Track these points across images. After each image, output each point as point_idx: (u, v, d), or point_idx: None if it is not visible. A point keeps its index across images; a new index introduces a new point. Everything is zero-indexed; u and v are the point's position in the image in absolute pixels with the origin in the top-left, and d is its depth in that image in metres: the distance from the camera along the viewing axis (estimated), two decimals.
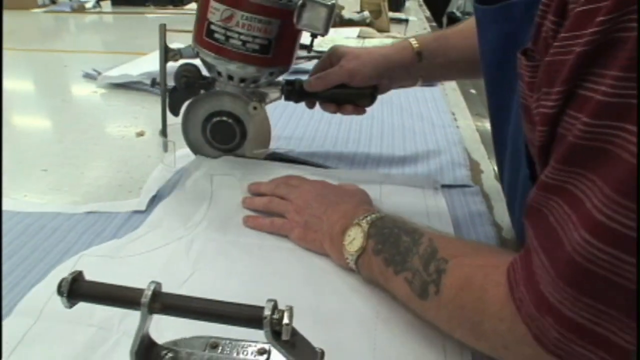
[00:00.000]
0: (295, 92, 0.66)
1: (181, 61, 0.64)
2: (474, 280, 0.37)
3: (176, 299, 0.27)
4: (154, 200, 0.62)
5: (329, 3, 0.57)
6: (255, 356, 0.31)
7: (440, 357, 0.40)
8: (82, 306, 0.43)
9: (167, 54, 0.62)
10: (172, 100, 0.65)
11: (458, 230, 0.57)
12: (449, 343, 0.40)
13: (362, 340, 0.41)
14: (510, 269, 0.34)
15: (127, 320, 0.42)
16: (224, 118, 0.65)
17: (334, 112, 0.66)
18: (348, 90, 0.64)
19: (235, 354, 0.31)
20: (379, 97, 1.03)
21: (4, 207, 0.60)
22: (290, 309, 0.26)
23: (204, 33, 0.58)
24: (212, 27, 0.57)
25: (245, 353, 0.31)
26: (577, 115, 0.27)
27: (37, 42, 1.67)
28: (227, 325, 0.26)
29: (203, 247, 0.52)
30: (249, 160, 0.68)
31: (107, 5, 2.37)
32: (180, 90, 0.63)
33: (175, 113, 0.65)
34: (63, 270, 0.48)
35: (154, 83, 0.65)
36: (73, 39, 1.88)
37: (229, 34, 0.57)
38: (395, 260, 0.42)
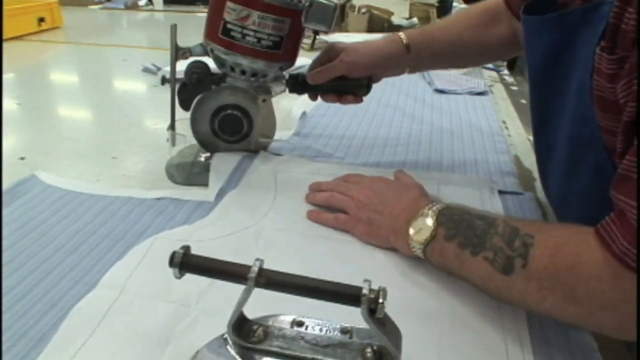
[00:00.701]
0: (299, 85, 0.70)
1: (191, 59, 0.67)
2: (566, 247, 0.39)
3: (279, 275, 0.29)
4: (219, 192, 0.65)
5: (333, 3, 0.61)
6: (339, 334, 0.33)
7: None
8: (161, 283, 0.47)
9: (178, 52, 0.65)
10: (183, 95, 0.67)
11: None
12: (510, 345, 0.42)
13: (427, 335, 0.43)
14: (601, 230, 0.37)
15: (204, 299, 0.45)
16: (232, 111, 0.69)
17: (335, 102, 0.71)
18: (347, 81, 0.68)
19: (319, 332, 0.33)
20: (429, 102, 1.05)
21: (80, 189, 0.64)
22: (384, 290, 0.28)
23: (219, 31, 0.61)
24: (229, 25, 0.61)
25: (329, 332, 0.33)
26: None
27: (96, 37, 1.75)
28: (324, 301, 0.28)
29: (271, 237, 0.55)
30: (313, 161, 0.72)
31: (158, 4, 2.46)
32: (191, 86, 0.66)
33: (187, 108, 0.68)
34: (141, 250, 0.52)
35: (164, 81, 0.68)
36: (127, 34, 1.96)
37: (245, 31, 0.61)
38: (472, 242, 0.44)
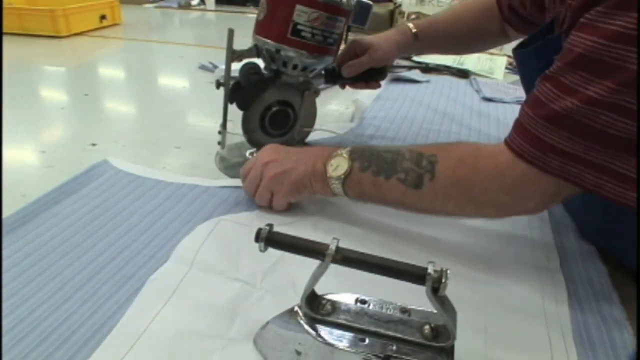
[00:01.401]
0: (334, 77, 0.79)
1: (244, 60, 0.70)
2: (466, 158, 0.50)
3: (354, 253, 0.32)
4: None
5: (370, 4, 0.74)
6: (398, 312, 0.36)
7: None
8: (227, 261, 0.51)
9: (233, 55, 0.69)
10: (241, 96, 0.70)
11: (558, 237, 0.60)
12: (552, 334, 0.44)
13: (474, 322, 0.45)
14: (506, 142, 0.48)
15: (268, 279, 0.49)
16: (282, 107, 0.74)
17: (363, 88, 0.83)
18: (372, 71, 0.79)
19: (381, 309, 0.36)
20: (477, 110, 1.06)
21: (148, 175, 0.69)
22: (447, 271, 0.31)
23: (288, 32, 0.66)
24: (299, 27, 0.65)
25: (389, 310, 0.36)
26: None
27: (152, 34, 1.84)
28: (393, 278, 0.32)
29: (328, 227, 0.59)
30: None
31: (210, 4, 2.54)
32: (249, 86, 0.69)
33: (246, 107, 0.71)
34: (206, 228, 0.57)
35: (219, 85, 0.70)
36: (180, 33, 2.04)
37: (314, 32, 0.66)
38: (384, 169, 0.53)
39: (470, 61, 1.45)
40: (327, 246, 0.32)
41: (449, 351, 0.33)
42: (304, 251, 0.33)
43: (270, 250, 0.35)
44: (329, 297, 0.38)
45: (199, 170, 0.74)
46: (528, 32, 0.71)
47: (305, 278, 0.35)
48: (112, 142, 0.83)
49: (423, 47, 0.84)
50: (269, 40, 0.67)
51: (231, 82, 0.70)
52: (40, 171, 0.72)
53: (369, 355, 0.33)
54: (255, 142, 0.75)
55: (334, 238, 0.33)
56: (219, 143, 0.72)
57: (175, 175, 0.70)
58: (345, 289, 0.39)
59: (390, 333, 0.34)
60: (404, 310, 0.36)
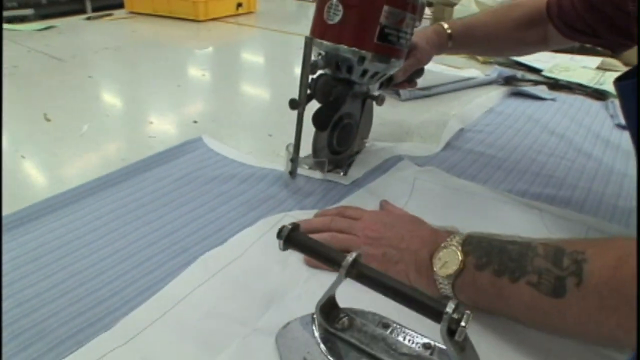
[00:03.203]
0: (387, 82, 0.73)
1: (318, 72, 0.62)
2: (631, 257, 0.34)
3: (371, 272, 0.30)
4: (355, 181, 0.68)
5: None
6: (420, 348, 0.32)
7: None
8: (279, 256, 0.50)
9: (310, 68, 0.58)
10: (320, 115, 0.63)
11: None
12: None
13: None
14: None
15: (312, 280, 0.47)
16: (348, 120, 0.68)
17: (406, 88, 0.85)
18: (414, 72, 0.77)
19: (402, 339, 0.33)
20: (605, 138, 0.93)
21: (233, 157, 0.72)
22: (469, 315, 0.27)
23: (375, 37, 0.58)
24: (386, 30, 0.59)
25: (411, 342, 0.33)
26: None
27: (284, 24, 1.91)
28: (406, 307, 0.28)
29: None
30: (449, 175, 0.71)
31: None
32: (328, 103, 0.62)
33: (326, 127, 0.64)
34: (269, 223, 0.57)
35: (294, 105, 0.60)
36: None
37: (400, 34, 0.61)
38: (510, 267, 0.39)
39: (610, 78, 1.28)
40: (344, 257, 0.30)
41: None
42: (321, 258, 0.31)
43: None
44: (351, 311, 0.35)
45: (284, 160, 0.74)
46: (574, 38, 0.74)
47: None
48: (212, 121, 0.87)
49: (456, 48, 0.82)
50: (349, 47, 0.59)
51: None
52: (144, 139, 0.79)
53: None
54: (320, 164, 0.68)
55: (357, 252, 0.30)
56: (290, 173, 0.63)
57: (259, 160, 0.72)
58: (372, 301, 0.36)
59: None
60: (427, 347, 0.33)
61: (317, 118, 0.62)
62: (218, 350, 0.39)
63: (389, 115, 0.94)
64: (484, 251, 0.42)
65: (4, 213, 0.54)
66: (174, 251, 0.51)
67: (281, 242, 0.33)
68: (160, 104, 0.97)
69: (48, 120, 0.83)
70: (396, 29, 0.60)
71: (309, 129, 0.64)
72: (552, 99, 1.11)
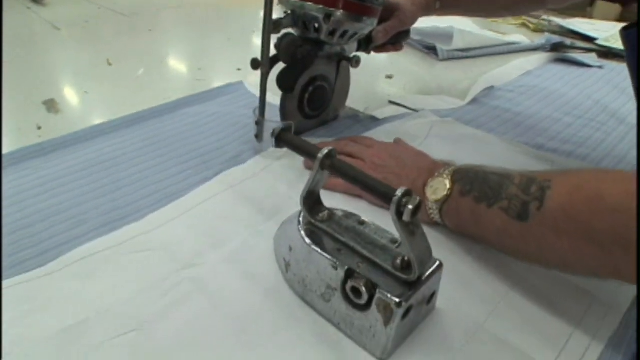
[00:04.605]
0: (366, 43, 0.69)
1: (283, 31, 0.59)
2: (587, 184, 0.37)
3: (343, 164, 0.35)
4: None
5: None
6: (388, 242, 0.37)
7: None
8: (286, 179, 0.56)
9: (272, 26, 0.54)
10: (285, 76, 0.61)
11: None
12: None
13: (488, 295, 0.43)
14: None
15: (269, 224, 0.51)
16: (320, 83, 0.65)
17: (390, 51, 0.77)
18: (399, 34, 0.72)
19: (372, 234, 0.38)
20: None
21: (267, 100, 0.77)
22: (418, 199, 0.31)
23: None
24: None
25: (381, 237, 0.38)
26: None
27: None
28: (367, 192, 0.33)
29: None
30: (466, 127, 0.73)
31: None
32: (294, 64, 0.60)
33: (292, 89, 0.62)
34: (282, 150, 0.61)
35: (256, 65, 0.57)
36: None
37: None
38: (488, 195, 0.42)
39: None
40: (320, 150, 0.35)
41: (412, 285, 0.34)
42: (303, 152, 0.37)
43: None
44: (335, 209, 0.40)
45: None
46: None
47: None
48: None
49: (445, 10, 0.78)
50: (315, 4, 0.56)
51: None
52: (191, 82, 0.87)
53: (336, 264, 0.35)
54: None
55: (332, 148, 0.36)
56: (257, 136, 0.61)
57: None
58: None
59: (365, 252, 0.36)
60: (394, 241, 0.37)
61: (281, 79, 0.60)
62: (223, 244, 0.46)
63: (424, 73, 0.96)
64: (469, 180, 0.45)
65: (61, 132, 0.64)
66: (200, 168, 0.58)
67: (274, 140, 0.38)
68: (210, 54, 1.06)
69: (110, 64, 0.93)
70: None
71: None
72: (599, 66, 1.08)
